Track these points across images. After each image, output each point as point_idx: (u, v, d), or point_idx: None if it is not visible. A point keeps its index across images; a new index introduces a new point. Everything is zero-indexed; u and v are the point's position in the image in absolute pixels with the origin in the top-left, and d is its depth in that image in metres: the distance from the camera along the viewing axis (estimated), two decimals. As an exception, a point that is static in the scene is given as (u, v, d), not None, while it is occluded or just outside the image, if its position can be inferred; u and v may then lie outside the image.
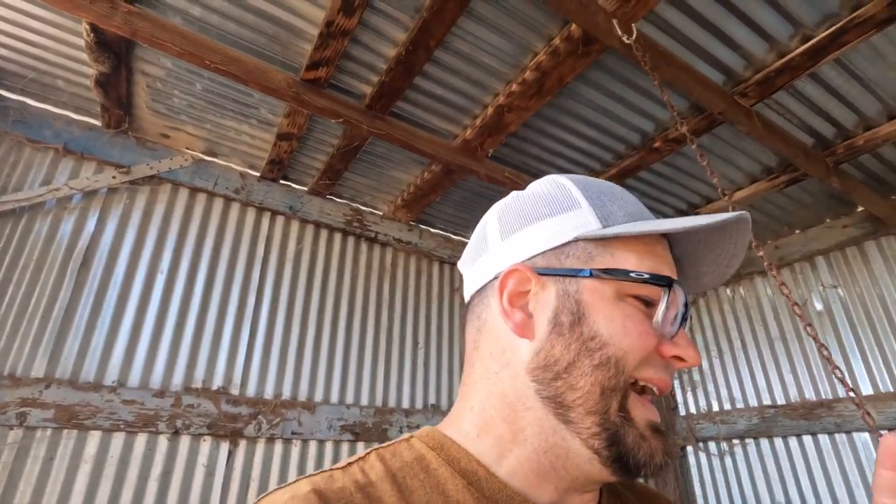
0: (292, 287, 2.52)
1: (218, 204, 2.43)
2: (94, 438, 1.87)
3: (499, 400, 0.49)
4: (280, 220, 2.60)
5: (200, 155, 2.41)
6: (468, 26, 1.72)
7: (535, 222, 0.51)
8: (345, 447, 2.38)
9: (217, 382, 2.18)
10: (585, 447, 0.45)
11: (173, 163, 2.31)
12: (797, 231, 2.98)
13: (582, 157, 2.40)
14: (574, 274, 0.48)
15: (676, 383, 3.47)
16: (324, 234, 2.71)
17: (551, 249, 0.50)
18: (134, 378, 2.01)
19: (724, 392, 3.18)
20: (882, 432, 0.44)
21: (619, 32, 1.54)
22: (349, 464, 0.47)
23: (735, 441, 3.05)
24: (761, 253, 1.28)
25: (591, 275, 0.47)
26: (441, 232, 3.10)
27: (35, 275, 1.94)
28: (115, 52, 1.79)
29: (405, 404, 2.65)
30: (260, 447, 2.19)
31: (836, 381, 2.68)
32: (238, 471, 2.11)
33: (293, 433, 2.24)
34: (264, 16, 1.70)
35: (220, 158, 2.46)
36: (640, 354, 0.45)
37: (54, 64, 1.92)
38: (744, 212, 0.48)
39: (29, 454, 1.75)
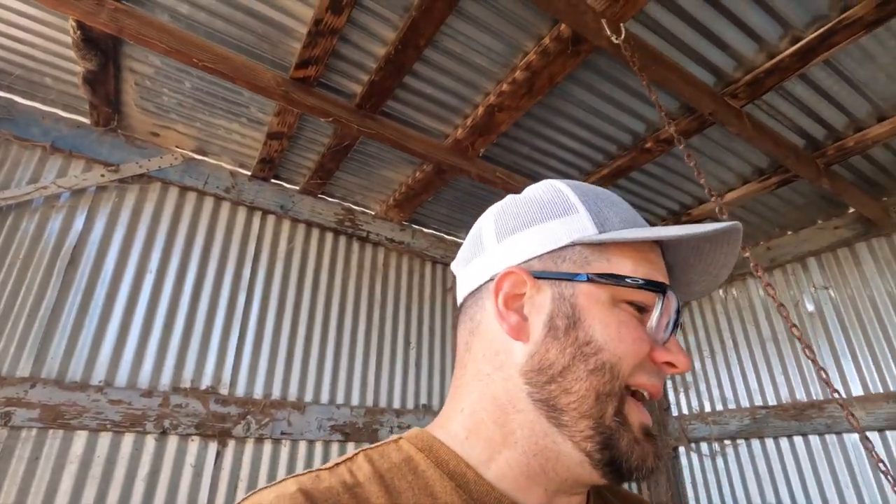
0: (283, 287, 2.51)
1: (208, 203, 2.42)
2: (80, 438, 1.86)
3: (490, 402, 0.49)
4: (271, 219, 2.59)
5: (190, 153, 2.39)
6: (458, 25, 1.71)
7: (532, 225, 0.51)
8: (335, 447, 2.38)
9: (206, 382, 2.17)
10: (577, 450, 0.45)
11: (163, 161, 2.30)
12: (789, 232, 2.98)
13: (574, 158, 2.40)
14: (570, 278, 0.48)
15: (669, 384, 3.48)
16: (315, 233, 2.71)
17: (548, 253, 0.50)
18: (121, 378, 2.00)
19: (716, 393, 3.18)
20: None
21: (608, 32, 1.54)
22: (337, 464, 0.47)
23: (727, 442, 3.06)
24: (747, 254, 1.28)
25: (588, 279, 0.47)
26: (434, 232, 3.10)
27: (21, 273, 1.92)
28: (102, 50, 1.78)
29: (396, 404, 2.64)
30: (249, 447, 2.18)
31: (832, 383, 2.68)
32: (226, 471, 2.10)
33: (282, 433, 2.23)
34: (253, 14, 1.70)
35: (211, 157, 2.44)
36: (634, 360, 0.46)
37: (42, 61, 1.91)
38: (736, 222, 0.49)
39: (14, 454, 1.74)
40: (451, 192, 2.72)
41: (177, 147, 2.36)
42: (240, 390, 2.23)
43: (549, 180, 0.56)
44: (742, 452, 2.97)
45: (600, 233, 0.49)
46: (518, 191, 0.56)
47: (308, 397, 2.39)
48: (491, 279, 0.51)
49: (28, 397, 1.79)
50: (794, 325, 1.24)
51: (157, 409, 2.00)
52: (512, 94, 1.92)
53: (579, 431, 0.45)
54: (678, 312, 0.49)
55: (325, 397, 2.44)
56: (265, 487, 0.43)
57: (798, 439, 2.73)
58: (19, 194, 1.96)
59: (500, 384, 0.49)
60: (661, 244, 0.53)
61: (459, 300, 0.57)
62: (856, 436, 2.49)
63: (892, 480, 1.16)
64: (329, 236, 2.75)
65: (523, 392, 0.47)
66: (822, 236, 2.82)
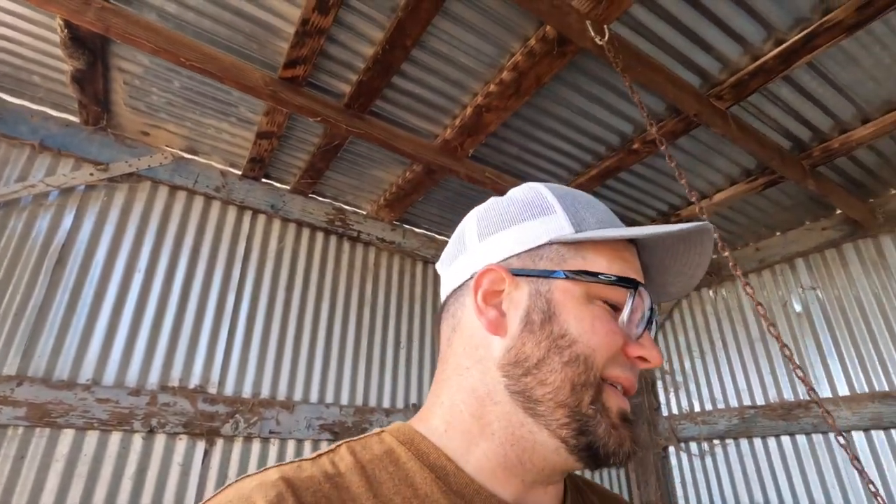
0: (273, 286, 2.51)
1: (198, 202, 2.42)
2: (66, 437, 1.86)
3: (468, 394, 0.50)
4: (261, 218, 2.59)
5: (181, 153, 2.40)
6: (444, 26, 1.73)
7: (512, 225, 0.53)
8: (323, 447, 2.37)
9: (194, 381, 2.17)
10: (553, 437, 0.46)
11: (153, 160, 2.30)
12: (777, 233, 3.01)
13: (562, 158, 2.42)
14: (547, 275, 0.50)
15: (659, 384, 3.49)
16: (306, 232, 2.71)
17: (526, 251, 0.52)
18: (109, 376, 2.00)
19: (705, 393, 3.20)
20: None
21: (592, 33, 1.55)
22: (319, 455, 0.48)
23: (716, 441, 3.07)
24: (727, 253, 1.30)
25: (563, 276, 0.49)
26: (425, 232, 3.10)
27: (9, 272, 1.92)
28: (90, 49, 1.78)
29: (386, 404, 2.65)
30: (237, 446, 2.18)
31: (813, 381, 2.70)
32: (214, 469, 2.10)
33: (271, 432, 2.24)
34: (241, 14, 1.70)
35: (201, 156, 2.45)
36: (607, 353, 0.47)
37: (30, 59, 1.91)
38: (705, 223, 0.51)
39: (-1, 452, 1.74)
40: (442, 192, 2.73)
41: (167, 146, 2.36)
42: (228, 389, 2.24)
43: (531, 183, 0.58)
44: (731, 452, 2.99)
45: (577, 232, 0.51)
46: (506, 191, 0.59)
47: (297, 396, 2.40)
48: (472, 277, 0.53)
49: (14, 395, 1.78)
50: (772, 324, 1.26)
51: (144, 407, 2.00)
52: (499, 95, 1.93)
53: (555, 420, 0.46)
54: (652, 310, 0.50)
55: (314, 396, 2.44)
56: (247, 476, 0.44)
57: (785, 439, 2.75)
58: (7, 192, 1.96)
59: (479, 377, 0.50)
60: (636, 245, 0.55)
61: (443, 298, 0.59)
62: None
63: (866, 478, 1.18)
64: (320, 236, 2.75)
65: (500, 385, 0.49)
66: (809, 237, 2.84)
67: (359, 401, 2.57)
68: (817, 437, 2.63)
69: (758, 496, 2.80)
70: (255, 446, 2.22)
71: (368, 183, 2.67)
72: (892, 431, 2.38)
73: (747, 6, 1.63)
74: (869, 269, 2.63)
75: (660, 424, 3.37)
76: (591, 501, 0.60)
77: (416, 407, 2.73)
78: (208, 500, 0.42)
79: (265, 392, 2.32)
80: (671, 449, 3.30)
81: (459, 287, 0.55)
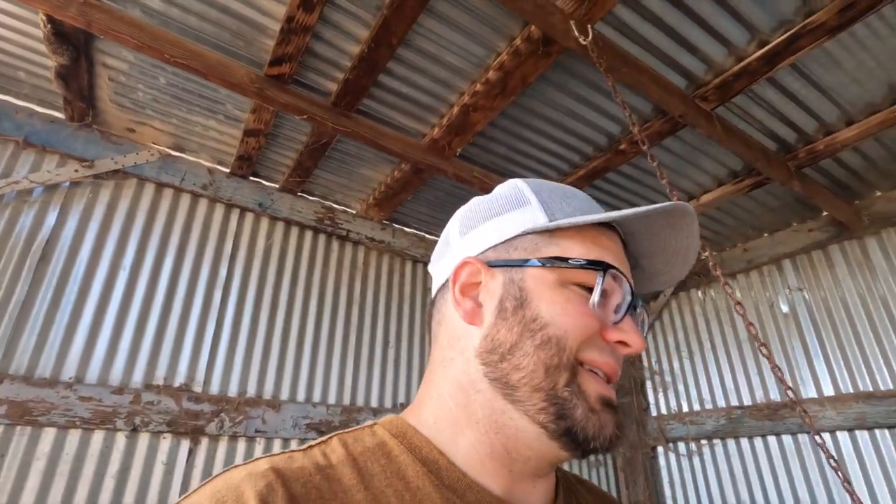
0: (260, 284, 2.50)
1: (185, 200, 2.41)
2: (48, 435, 1.84)
3: (453, 385, 0.51)
4: (249, 216, 2.58)
5: (167, 150, 2.38)
6: (430, 24, 1.73)
7: (489, 220, 0.55)
8: (310, 446, 2.37)
9: (179, 380, 2.16)
10: (532, 423, 0.46)
11: (139, 157, 2.29)
12: (765, 234, 3.03)
13: (550, 158, 2.42)
14: (520, 264, 0.51)
15: (649, 384, 3.51)
16: (294, 231, 2.70)
17: (502, 243, 0.53)
18: (92, 374, 1.99)
19: (693, 393, 3.21)
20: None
21: (576, 33, 1.56)
22: (311, 446, 0.48)
23: (703, 441, 3.09)
24: (707, 253, 1.30)
25: (536, 264, 0.50)
26: (415, 231, 3.10)
27: (-9, 268, 1.90)
28: (73, 44, 1.77)
29: (374, 403, 2.64)
30: (222, 445, 2.17)
31: (799, 381, 2.72)
32: (199, 469, 2.09)
33: (257, 431, 2.23)
34: (226, 10, 1.70)
35: (188, 154, 2.44)
36: (579, 334, 0.47)
37: (14, 55, 1.90)
38: (679, 202, 0.50)
39: (-21, 451, 1.72)
40: (432, 191, 2.73)
41: (153, 143, 2.35)
42: (214, 388, 2.23)
43: (513, 179, 0.59)
44: (718, 452, 3.00)
45: (550, 221, 0.51)
46: None
47: (284, 395, 2.39)
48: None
49: (-6, 393, 1.77)
50: (751, 324, 1.26)
51: (128, 406, 1.99)
52: (486, 94, 1.93)
53: (532, 405, 0.46)
54: (634, 295, 0.50)
55: (301, 395, 2.44)
56: (237, 466, 0.44)
57: (771, 439, 2.77)
58: (-10, 189, 1.94)
59: (461, 367, 0.51)
60: (619, 234, 0.55)
61: (432, 297, 0.61)
62: (827, 435, 2.53)
63: (842, 476, 1.18)
64: (308, 234, 2.75)
65: (480, 373, 0.49)
66: (796, 238, 2.86)
67: (346, 400, 2.56)
68: (802, 438, 2.65)
69: (744, 496, 2.82)
70: (241, 445, 2.21)
71: (357, 182, 2.67)
72: (876, 431, 2.40)
73: (731, 8, 1.64)
74: (854, 270, 2.65)
75: (649, 424, 3.38)
76: (585, 500, 0.60)
77: (404, 406, 2.72)
78: (197, 489, 0.42)
79: (251, 391, 2.31)
80: (660, 449, 3.31)
81: (444, 283, 0.57)
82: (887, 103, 2.01)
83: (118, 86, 2.03)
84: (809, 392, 2.67)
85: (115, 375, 2.03)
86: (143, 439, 2.01)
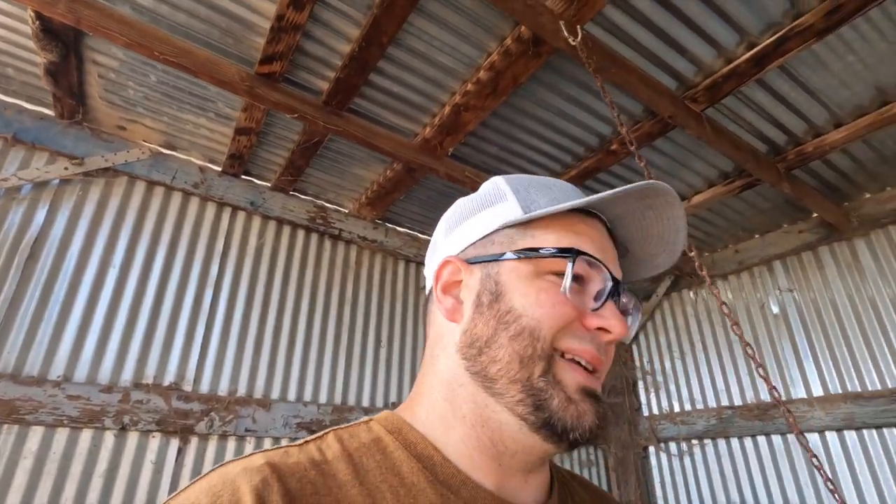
0: (251, 283, 2.49)
1: (176, 198, 2.40)
2: (35, 434, 1.83)
3: (440, 381, 0.52)
4: (241, 215, 2.58)
5: (158, 148, 2.38)
6: (420, 24, 1.73)
7: (469, 218, 0.56)
8: (300, 445, 2.36)
9: (169, 378, 2.15)
10: (513, 416, 0.47)
11: (130, 155, 2.28)
12: (756, 236, 3.04)
13: (541, 158, 2.43)
14: (496, 258, 0.52)
15: (640, 385, 3.52)
16: (286, 230, 2.70)
17: (480, 240, 0.54)
18: (80, 373, 1.98)
19: (685, 393, 3.23)
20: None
21: (566, 34, 1.56)
22: (307, 442, 0.48)
23: (694, 441, 3.10)
24: (692, 253, 1.31)
25: (511, 257, 0.50)
26: (407, 231, 3.10)
27: (-22, 266, 1.89)
28: (62, 41, 1.76)
29: (365, 402, 2.64)
30: (212, 444, 2.16)
31: (788, 381, 2.74)
32: (188, 468, 2.08)
33: (247, 430, 2.22)
34: (216, 8, 1.69)
35: (180, 152, 2.43)
36: (554, 323, 0.47)
37: (3, 52, 1.89)
38: (654, 181, 0.49)
39: (-35, 449, 1.71)
40: (424, 190, 2.73)
41: (144, 141, 2.34)
42: (204, 387, 2.22)
43: (495, 177, 0.60)
44: (708, 452, 3.01)
45: (524, 214, 0.52)
46: None
47: (275, 394, 2.39)
48: None
49: (-19, 391, 1.76)
50: (735, 324, 1.27)
51: (116, 404, 1.98)
52: (477, 94, 1.94)
53: (511, 397, 0.46)
54: (615, 281, 0.49)
55: (292, 395, 2.43)
56: (233, 460, 0.44)
57: (761, 439, 2.78)
58: (-22, 186, 1.93)
59: (446, 363, 0.52)
60: (603, 221, 0.55)
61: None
62: (815, 435, 2.54)
63: (825, 475, 1.19)
64: (300, 233, 2.74)
65: (462, 367, 0.50)
66: (787, 240, 2.88)
67: (337, 399, 2.56)
68: (791, 438, 2.66)
69: (734, 495, 2.83)
70: (231, 444, 2.20)
71: (350, 181, 2.67)
72: (864, 432, 2.41)
73: (719, 9, 1.65)
74: (844, 271, 2.67)
75: (640, 424, 3.40)
76: (581, 497, 0.60)
77: (396, 405, 2.72)
78: (191, 483, 0.42)
79: (242, 390, 2.30)
80: (651, 449, 3.33)
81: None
82: (875, 105, 2.02)
83: (108, 83, 2.02)
84: (799, 392, 2.68)
85: (104, 374, 2.02)
86: (132, 438, 2.00)
